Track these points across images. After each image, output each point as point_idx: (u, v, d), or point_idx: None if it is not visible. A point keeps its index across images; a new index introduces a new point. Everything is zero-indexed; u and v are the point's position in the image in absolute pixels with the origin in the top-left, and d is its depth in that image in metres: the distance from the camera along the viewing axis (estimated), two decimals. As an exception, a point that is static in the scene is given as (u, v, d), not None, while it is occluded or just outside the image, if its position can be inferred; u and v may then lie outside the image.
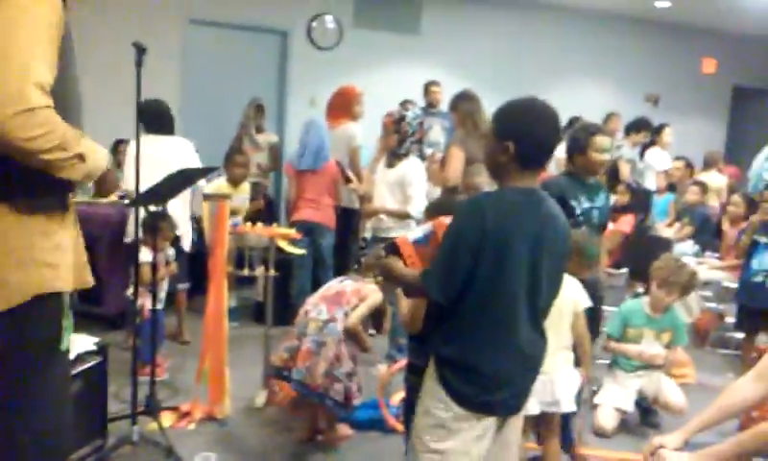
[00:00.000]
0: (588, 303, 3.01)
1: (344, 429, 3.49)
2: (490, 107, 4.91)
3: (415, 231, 2.30)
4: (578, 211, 3.33)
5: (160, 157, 3.92)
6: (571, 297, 2.94)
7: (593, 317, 3.25)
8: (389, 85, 7.54)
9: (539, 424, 3.03)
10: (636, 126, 6.94)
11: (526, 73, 8.48)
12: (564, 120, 7.15)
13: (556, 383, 2.90)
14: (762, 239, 4.45)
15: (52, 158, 1.62)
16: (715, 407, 2.22)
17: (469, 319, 1.98)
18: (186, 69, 7.08)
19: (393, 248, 2.20)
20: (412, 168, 4.32)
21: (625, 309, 4.01)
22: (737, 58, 9.93)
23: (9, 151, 1.58)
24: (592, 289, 3.15)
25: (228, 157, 5.29)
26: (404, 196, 4.27)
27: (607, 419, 3.77)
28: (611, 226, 5.65)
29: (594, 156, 3.39)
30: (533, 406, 2.78)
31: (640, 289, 4.63)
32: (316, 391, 3.17)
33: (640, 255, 4.71)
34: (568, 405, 2.96)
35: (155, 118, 4.37)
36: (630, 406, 3.86)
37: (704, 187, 6.37)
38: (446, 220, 2.10)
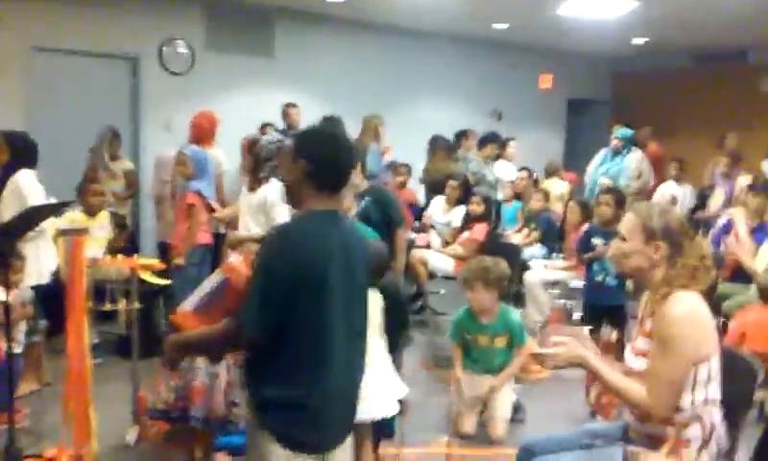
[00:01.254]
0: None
1: (222, 457, 3.47)
2: (350, 127, 5.17)
3: (195, 295, 2.22)
4: None
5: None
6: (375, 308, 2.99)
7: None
8: (246, 109, 7.57)
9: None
10: (485, 141, 7.42)
11: (382, 93, 8.76)
12: (422, 136, 7.60)
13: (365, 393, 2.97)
14: (599, 241, 4.88)
15: None
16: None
17: (289, 354, 1.94)
18: (32, 98, 6.71)
19: (173, 325, 2.16)
20: (273, 191, 4.35)
21: (458, 318, 4.21)
22: (570, 73, 10.83)
23: None
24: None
25: (81, 187, 5.09)
26: (268, 219, 4.29)
27: (466, 424, 3.94)
28: (466, 234, 6.04)
29: None
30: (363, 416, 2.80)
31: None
32: (221, 421, 3.14)
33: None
34: (380, 411, 3.01)
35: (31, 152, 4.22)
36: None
37: (546, 194, 6.89)
38: (236, 262, 2.11)
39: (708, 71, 10.27)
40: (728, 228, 5.85)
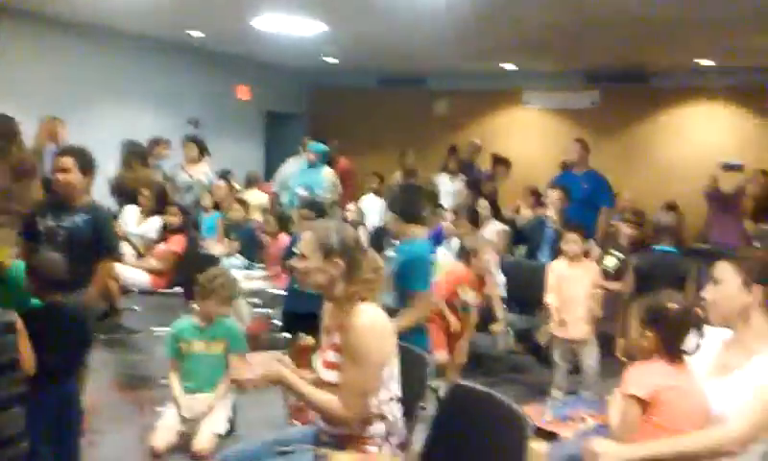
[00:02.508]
0: None
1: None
2: (30, 127, 4.63)
3: None
4: (41, 228, 3.50)
5: None
6: None
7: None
8: None
9: None
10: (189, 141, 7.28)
11: (68, 94, 8.02)
12: (113, 142, 7.11)
13: None
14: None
15: None
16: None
17: None
18: None
19: None
20: None
21: (176, 327, 4.07)
22: (268, 85, 11.06)
23: None
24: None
25: None
26: None
27: (162, 440, 3.79)
28: (162, 246, 5.80)
29: None
30: None
31: (195, 306, 4.81)
32: None
33: (192, 273, 4.89)
34: None
35: None
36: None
37: (245, 205, 6.93)
38: None
39: (391, 94, 11.29)
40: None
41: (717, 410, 2.22)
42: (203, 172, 7.34)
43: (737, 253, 2.63)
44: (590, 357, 4.70)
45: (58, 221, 3.54)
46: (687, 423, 2.21)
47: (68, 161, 3.64)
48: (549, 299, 4.75)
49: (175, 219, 5.85)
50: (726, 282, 2.32)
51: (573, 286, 4.69)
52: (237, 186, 7.49)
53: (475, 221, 5.72)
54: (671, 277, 4.26)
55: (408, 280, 3.49)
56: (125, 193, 6.57)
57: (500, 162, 8.03)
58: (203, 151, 7.36)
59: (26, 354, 2.68)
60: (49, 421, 2.95)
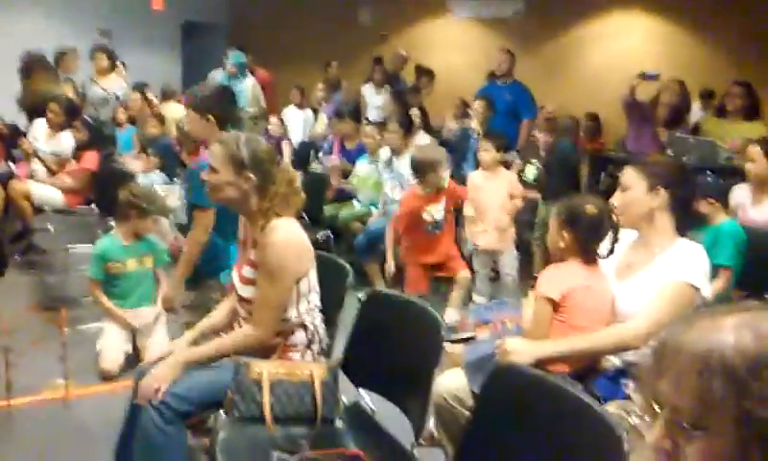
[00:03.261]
0: None
1: None
2: None
3: None
4: None
5: None
6: None
7: None
8: None
9: None
10: (97, 50, 6.89)
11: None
12: (16, 54, 6.66)
13: None
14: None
15: None
16: (206, 320, 2.58)
17: None
18: None
19: None
20: None
21: (101, 248, 4.00)
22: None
23: None
24: None
25: None
26: None
27: (112, 361, 3.76)
28: (74, 164, 5.57)
29: None
30: None
31: (112, 223, 4.68)
32: None
33: (108, 190, 4.73)
34: None
35: None
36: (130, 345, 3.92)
37: (162, 119, 6.68)
38: None
39: (311, 1, 10.89)
40: (330, 150, 6.45)
41: (624, 309, 2.33)
42: (117, 85, 7.01)
43: (645, 159, 2.71)
44: (508, 265, 4.83)
45: None
46: (596, 321, 2.31)
47: None
48: (465, 209, 4.83)
49: (80, 135, 5.60)
50: (632, 188, 2.38)
51: (488, 196, 4.76)
52: (153, 100, 7.18)
53: (409, 129, 5.65)
54: (566, 168, 5.34)
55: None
56: (33, 108, 6.20)
57: (424, 73, 7.97)
58: (114, 62, 7.00)
59: None
60: None
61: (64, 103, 5.79)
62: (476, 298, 4.87)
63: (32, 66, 6.40)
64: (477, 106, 6.11)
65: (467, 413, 2.18)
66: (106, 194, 5.23)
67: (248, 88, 7.67)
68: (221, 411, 2.26)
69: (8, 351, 3.25)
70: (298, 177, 2.50)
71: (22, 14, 8.39)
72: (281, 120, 7.52)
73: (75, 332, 3.93)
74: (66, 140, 5.70)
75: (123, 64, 7.25)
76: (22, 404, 3.36)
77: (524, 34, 9.04)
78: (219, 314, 2.60)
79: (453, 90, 7.95)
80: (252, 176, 2.32)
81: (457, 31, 10.15)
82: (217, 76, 7.66)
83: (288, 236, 2.31)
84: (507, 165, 5.30)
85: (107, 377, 3.70)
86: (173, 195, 5.78)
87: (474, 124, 6.06)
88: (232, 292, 2.55)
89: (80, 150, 5.58)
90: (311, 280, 2.41)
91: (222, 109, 3.36)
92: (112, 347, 3.83)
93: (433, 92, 8.02)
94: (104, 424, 3.00)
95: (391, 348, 2.40)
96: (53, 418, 3.33)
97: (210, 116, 3.30)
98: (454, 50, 9.98)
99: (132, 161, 6.34)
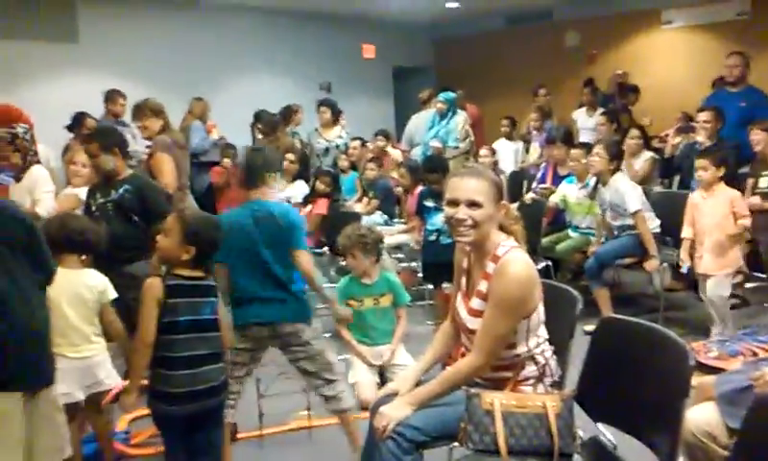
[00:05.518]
0: (113, 294, 3.09)
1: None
2: (170, 109, 4.98)
3: None
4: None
5: None
6: (92, 290, 3.03)
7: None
8: (50, 99, 7.01)
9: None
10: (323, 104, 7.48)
11: (202, 72, 8.49)
12: (248, 114, 7.45)
13: (96, 366, 3.04)
14: (430, 203, 5.05)
15: None
16: (429, 352, 2.60)
17: None
18: None
19: None
20: (37, 173, 4.34)
21: (342, 286, 4.27)
22: (393, 42, 11.06)
23: None
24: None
25: None
26: (33, 200, 4.27)
27: (368, 391, 3.89)
28: (308, 209, 6.02)
29: None
30: (78, 393, 2.98)
31: (343, 262, 4.98)
32: None
33: (336, 232, 5.05)
34: (111, 380, 3.09)
35: None
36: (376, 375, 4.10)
37: (379, 162, 7.02)
38: None
39: (517, 32, 10.91)
40: (544, 178, 6.33)
41: None
42: (337, 135, 7.51)
43: None
44: (715, 294, 4.37)
45: (105, 197, 3.83)
46: None
47: (93, 147, 3.92)
48: (684, 231, 4.48)
49: (325, 187, 6.08)
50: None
51: (705, 218, 4.40)
52: (370, 146, 7.60)
53: (617, 155, 5.39)
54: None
55: None
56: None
57: (629, 90, 7.59)
58: (336, 114, 7.52)
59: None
60: None
61: (299, 153, 6.34)
62: (713, 328, 4.46)
63: (275, 124, 7.08)
64: (704, 117, 5.64)
65: (722, 451, 1.98)
66: (334, 236, 5.61)
67: (458, 124, 7.80)
68: (455, 442, 2.27)
69: (259, 382, 3.56)
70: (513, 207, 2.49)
71: (254, 77, 9.37)
72: (493, 150, 7.55)
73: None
74: (300, 189, 6.21)
75: (340, 113, 7.80)
76: (272, 433, 3.66)
77: (752, 35, 8.25)
78: (439, 344, 2.63)
79: (677, 104, 7.46)
80: (505, 205, 2.35)
81: (673, 41, 9.55)
82: (419, 117, 7.90)
83: (523, 270, 2.27)
84: (741, 178, 4.83)
85: (365, 408, 3.84)
86: (391, 234, 6.04)
87: (701, 137, 5.60)
88: (448, 319, 2.59)
89: (315, 197, 6.04)
90: (540, 314, 2.36)
91: None
92: (365, 378, 4.04)
93: (653, 108, 7.59)
94: (345, 455, 3.17)
95: (631, 379, 2.25)
96: (299, 445, 3.58)
97: None
98: (670, 61, 9.39)
99: (354, 205, 6.73)
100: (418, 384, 2.45)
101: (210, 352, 2.64)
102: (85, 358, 2.99)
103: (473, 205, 2.28)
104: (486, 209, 2.28)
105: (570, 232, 5.64)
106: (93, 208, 3.86)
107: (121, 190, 3.83)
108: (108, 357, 3.13)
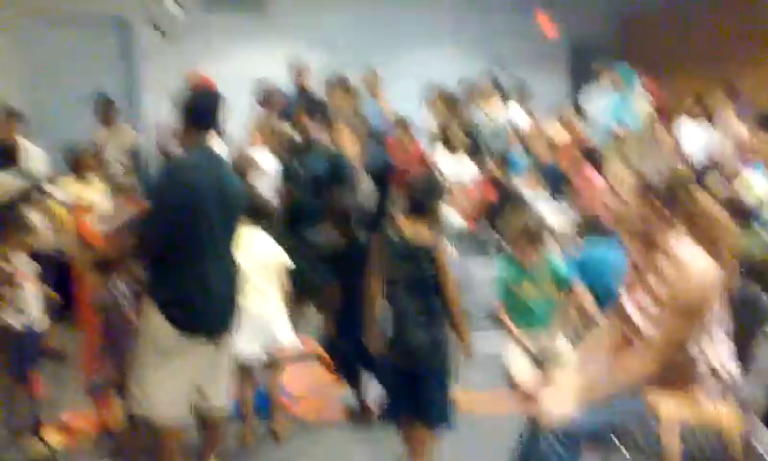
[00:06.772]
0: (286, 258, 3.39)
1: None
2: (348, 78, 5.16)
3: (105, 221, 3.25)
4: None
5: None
6: (272, 253, 3.35)
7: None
8: (242, 68, 7.47)
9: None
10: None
11: (378, 43, 8.66)
12: (419, 87, 7.52)
13: (273, 325, 3.31)
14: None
15: None
16: (593, 344, 2.52)
17: (175, 260, 2.59)
18: (25, 68, 6.69)
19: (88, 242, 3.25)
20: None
21: (502, 270, 4.09)
22: (571, 16, 10.61)
23: None
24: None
25: (73, 154, 5.19)
26: None
27: (524, 376, 3.79)
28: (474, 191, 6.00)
29: None
30: (257, 350, 3.27)
31: (502, 242, 4.90)
32: None
33: (499, 211, 4.96)
34: (290, 343, 3.41)
35: None
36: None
37: (553, 144, 6.81)
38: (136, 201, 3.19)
39: (712, 4, 9.96)
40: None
41: None
42: (507, 116, 7.38)
43: None
44: None
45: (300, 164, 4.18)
46: None
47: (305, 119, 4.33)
48: None
49: (497, 172, 6.02)
50: None
51: None
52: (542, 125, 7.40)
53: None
54: None
55: None
56: (444, 138, 6.89)
57: None
58: (505, 95, 7.40)
59: None
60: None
61: (470, 134, 6.34)
62: None
63: (456, 102, 7.11)
64: None
65: None
66: (498, 215, 5.54)
67: (639, 104, 7.38)
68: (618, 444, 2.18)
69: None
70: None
71: (429, 51, 9.41)
72: (675, 133, 7.02)
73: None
74: (468, 168, 6.19)
75: (515, 96, 7.67)
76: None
77: None
78: (604, 336, 2.51)
79: None
80: (656, 201, 2.20)
81: None
82: (597, 97, 7.54)
83: (704, 269, 2.13)
84: None
85: (520, 392, 3.73)
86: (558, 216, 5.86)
87: None
88: (615, 317, 2.47)
89: (484, 180, 6.02)
90: (714, 313, 2.18)
91: None
92: (521, 363, 3.92)
93: None
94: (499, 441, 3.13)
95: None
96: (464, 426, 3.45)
97: None
98: None
99: (524, 186, 6.59)
100: (581, 379, 2.37)
101: None
102: (262, 316, 3.22)
103: (617, 195, 2.20)
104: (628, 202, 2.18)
105: (757, 228, 5.12)
106: (289, 172, 4.11)
107: (317, 161, 4.05)
108: (285, 317, 3.33)
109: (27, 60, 6.70)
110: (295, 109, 5.93)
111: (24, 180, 3.92)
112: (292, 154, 4.24)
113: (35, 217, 4.48)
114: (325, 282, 3.63)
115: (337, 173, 4.06)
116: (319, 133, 4.14)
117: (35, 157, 4.68)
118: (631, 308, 2.33)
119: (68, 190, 4.82)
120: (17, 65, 6.62)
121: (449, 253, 3.13)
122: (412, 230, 3.06)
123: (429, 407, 3.07)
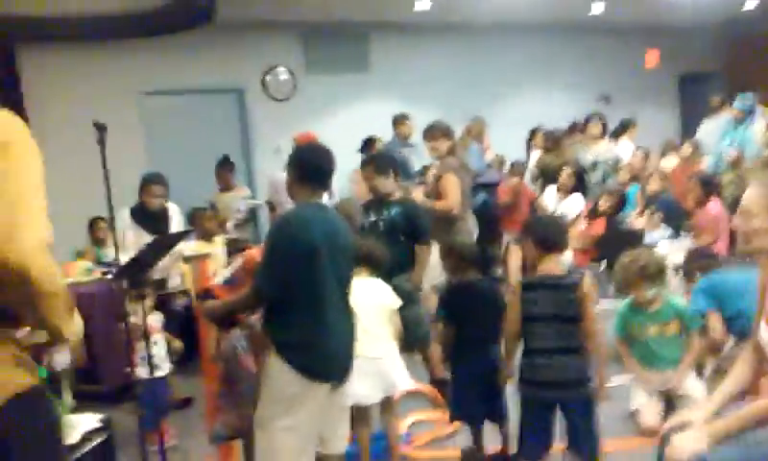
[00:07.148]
0: (398, 302, 3.46)
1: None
2: (454, 128, 5.21)
3: (223, 273, 3.10)
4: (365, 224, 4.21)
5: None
6: (385, 298, 3.43)
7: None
8: (347, 125, 7.71)
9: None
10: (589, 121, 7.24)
11: (481, 92, 8.72)
12: (527, 130, 7.48)
13: (390, 368, 3.33)
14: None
15: (54, 303, 1.58)
16: (728, 382, 2.37)
17: (294, 306, 2.61)
18: (148, 139, 7.19)
19: (206, 294, 3.04)
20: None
21: (622, 312, 3.98)
22: (679, 48, 10.28)
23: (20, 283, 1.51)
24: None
25: (195, 215, 5.54)
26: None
27: (651, 418, 3.75)
28: (583, 227, 5.85)
29: None
30: (375, 394, 3.30)
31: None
32: None
33: (615, 249, 4.81)
34: (405, 384, 3.45)
35: None
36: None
37: (664, 175, 6.56)
38: (253, 252, 3.03)
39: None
40: None
41: None
42: (608, 150, 7.20)
43: None
44: None
45: (378, 216, 4.23)
46: None
47: (369, 170, 4.31)
48: None
49: (607, 204, 5.88)
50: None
51: None
52: (653, 157, 7.15)
53: None
54: None
55: None
56: (547, 175, 6.81)
57: None
58: (606, 129, 7.24)
59: None
60: (480, 385, 3.38)
61: (576, 169, 6.21)
62: None
63: (558, 139, 7.05)
64: None
65: None
66: (612, 253, 5.35)
67: (757, 132, 6.98)
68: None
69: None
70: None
71: (531, 94, 9.37)
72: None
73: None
74: (575, 203, 6.06)
75: (620, 130, 7.48)
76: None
77: None
78: (739, 373, 2.36)
79: None
80: None
81: None
82: (710, 124, 7.20)
83: None
84: None
85: (646, 434, 3.61)
86: (678, 251, 5.58)
87: None
88: (753, 346, 2.31)
89: (597, 216, 5.86)
90: None
91: None
92: (648, 404, 3.82)
93: None
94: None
95: None
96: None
97: None
98: None
99: (635, 220, 6.37)
100: (715, 417, 2.23)
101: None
102: (380, 360, 3.26)
103: (746, 213, 2.18)
104: (757, 220, 2.14)
105: None
106: (366, 225, 4.24)
107: (393, 211, 4.13)
108: (400, 360, 3.38)
109: (150, 130, 7.23)
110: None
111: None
112: (368, 207, 4.40)
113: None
114: (439, 322, 3.64)
115: (414, 224, 4.21)
116: (392, 188, 4.30)
117: (178, 221, 5.06)
118: (765, 336, 2.19)
119: (192, 248, 5.11)
120: (140, 139, 7.14)
121: (590, 285, 3.04)
122: (547, 265, 3.08)
123: (582, 436, 3.01)
